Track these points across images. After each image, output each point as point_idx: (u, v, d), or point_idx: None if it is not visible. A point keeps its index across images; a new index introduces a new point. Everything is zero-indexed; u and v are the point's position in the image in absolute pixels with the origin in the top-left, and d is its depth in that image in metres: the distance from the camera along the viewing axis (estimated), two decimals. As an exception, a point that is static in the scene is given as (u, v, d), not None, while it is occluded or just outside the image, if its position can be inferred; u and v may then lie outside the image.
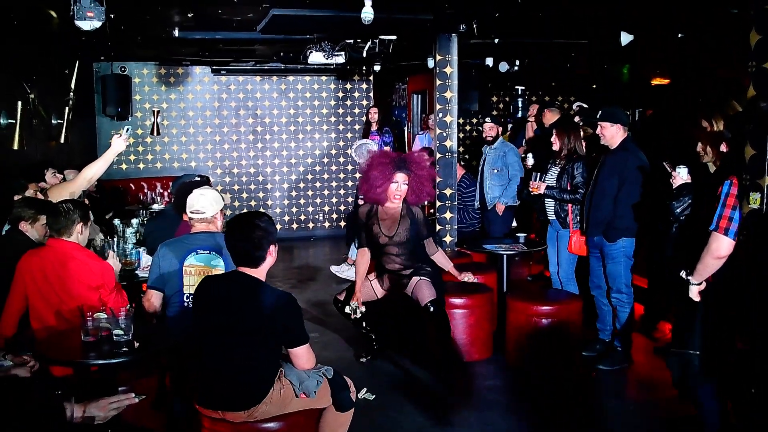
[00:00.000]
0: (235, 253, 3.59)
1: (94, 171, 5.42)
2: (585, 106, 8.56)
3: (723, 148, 3.93)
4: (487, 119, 8.28)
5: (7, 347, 3.97)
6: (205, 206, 4.47)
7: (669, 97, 10.00)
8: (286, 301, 3.50)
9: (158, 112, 11.33)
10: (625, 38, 7.81)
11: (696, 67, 9.37)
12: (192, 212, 4.46)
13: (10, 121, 6.90)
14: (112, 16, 5.91)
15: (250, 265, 3.56)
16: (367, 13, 5.63)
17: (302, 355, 3.59)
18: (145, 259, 5.45)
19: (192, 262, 4.32)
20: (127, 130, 5.41)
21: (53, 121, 8.39)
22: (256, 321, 3.45)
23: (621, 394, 5.53)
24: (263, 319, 3.44)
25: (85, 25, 5.23)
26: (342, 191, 12.48)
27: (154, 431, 4.07)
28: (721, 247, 3.63)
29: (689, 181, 4.35)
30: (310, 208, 12.39)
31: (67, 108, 8.71)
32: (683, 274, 3.90)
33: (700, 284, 3.82)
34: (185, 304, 4.30)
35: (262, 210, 12.11)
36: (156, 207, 8.85)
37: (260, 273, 3.58)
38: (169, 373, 4.21)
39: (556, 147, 6.27)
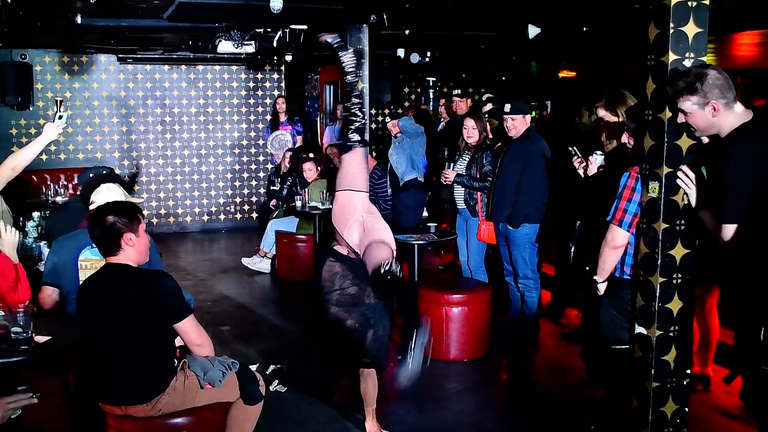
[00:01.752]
0: (95, 242, 3.57)
1: (19, 159, 5.04)
2: (493, 97, 8.69)
3: (625, 138, 4.05)
4: (388, 118, 8.34)
5: None
6: (107, 199, 4.35)
7: (575, 90, 10.27)
8: (155, 277, 3.44)
9: (61, 101, 10.87)
10: (533, 31, 7.95)
11: (600, 60, 9.65)
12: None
13: None
14: (9, 0, 5.68)
15: (110, 255, 3.50)
16: (276, 2, 5.57)
17: (190, 329, 3.47)
18: (47, 254, 5.26)
19: (87, 256, 4.15)
20: (60, 117, 5.06)
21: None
22: (135, 307, 3.38)
23: (531, 379, 5.66)
24: (139, 303, 3.37)
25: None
26: (254, 182, 12.34)
27: (57, 432, 3.96)
28: (616, 237, 3.75)
29: (603, 168, 4.44)
30: (222, 200, 12.21)
31: (-38, 96, 8.34)
32: (588, 271, 4.00)
33: (604, 281, 3.93)
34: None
35: (170, 202, 11.87)
36: (60, 200, 8.55)
37: (128, 260, 3.49)
38: (72, 372, 4.08)
39: (473, 135, 6.31)
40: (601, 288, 3.93)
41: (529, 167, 5.79)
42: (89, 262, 4.13)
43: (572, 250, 4.57)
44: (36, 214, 6.37)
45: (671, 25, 3.39)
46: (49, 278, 4.19)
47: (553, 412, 4.90)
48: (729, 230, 3.16)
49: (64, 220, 5.47)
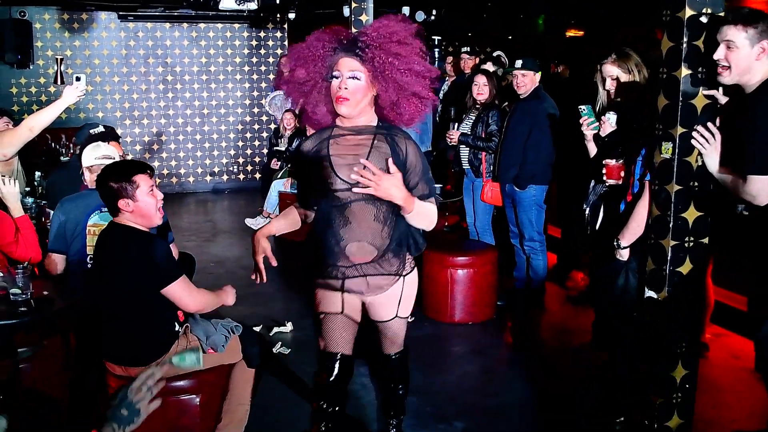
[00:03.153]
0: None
1: (37, 120, 4.96)
2: (502, 54, 8.53)
3: None
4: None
5: None
6: (111, 152, 4.29)
7: (583, 49, 10.10)
8: (146, 241, 3.37)
9: (61, 60, 10.80)
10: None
11: (609, 18, 9.47)
12: (98, 159, 4.24)
13: None
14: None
15: (114, 216, 3.45)
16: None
17: (179, 295, 3.36)
18: (52, 216, 5.19)
19: (96, 221, 4.03)
20: (78, 78, 4.96)
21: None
22: (128, 269, 3.31)
23: (537, 341, 5.61)
24: (133, 266, 3.31)
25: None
26: (257, 142, 12.23)
27: (58, 399, 3.90)
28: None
29: (616, 128, 4.28)
30: (224, 160, 12.12)
31: (-40, 54, 8.21)
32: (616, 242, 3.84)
33: (628, 246, 3.80)
34: (88, 266, 4.04)
35: (173, 162, 11.79)
36: (62, 159, 8.46)
37: (131, 222, 3.42)
38: (72, 334, 4.03)
39: (483, 92, 6.17)
40: (624, 254, 3.80)
41: (537, 127, 5.68)
42: (98, 227, 3.98)
43: (587, 212, 4.43)
44: (37, 174, 6.29)
45: (688, -21, 3.28)
46: (55, 245, 4.07)
47: (558, 376, 4.86)
48: (757, 183, 3.06)
49: (64, 179, 5.40)
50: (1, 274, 3.57)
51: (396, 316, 3.37)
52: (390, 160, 2.93)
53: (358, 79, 2.96)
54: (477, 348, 5.37)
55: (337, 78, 2.99)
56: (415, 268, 3.36)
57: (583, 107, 4.41)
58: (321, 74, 3.06)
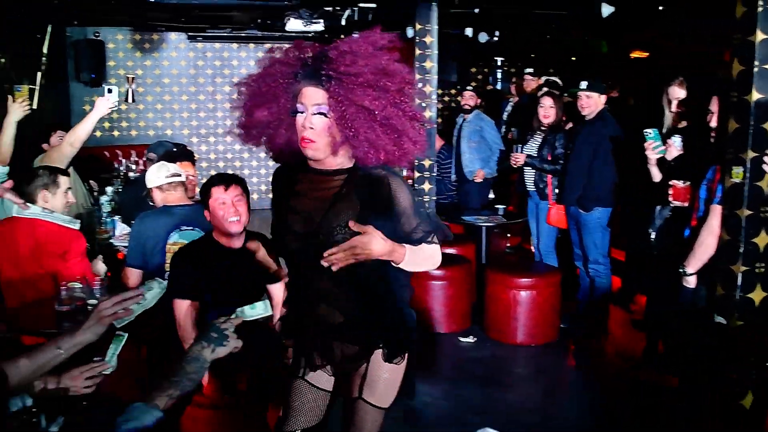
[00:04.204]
0: None
1: (76, 135, 5.14)
2: (557, 80, 8.50)
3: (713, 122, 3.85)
4: (469, 87, 8.23)
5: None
6: (179, 171, 4.40)
7: (648, 71, 10.00)
8: None
9: (133, 78, 11.11)
10: (606, 10, 7.75)
11: (676, 40, 9.36)
12: (168, 178, 4.35)
13: (-20, 85, 6.74)
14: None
15: None
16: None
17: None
18: (120, 228, 5.36)
19: (176, 240, 4.11)
20: (110, 91, 5.13)
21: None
22: None
23: (599, 365, 5.55)
24: None
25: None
26: (319, 161, 12.35)
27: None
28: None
29: (683, 152, 4.24)
30: (287, 178, 12.26)
31: (39, 73, 8.51)
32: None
33: (695, 273, 3.76)
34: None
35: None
36: (131, 175, 8.71)
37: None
38: (145, 346, 4.14)
39: (550, 114, 6.18)
40: (691, 281, 3.75)
41: (602, 149, 5.64)
42: (177, 246, 4.01)
43: (652, 236, 4.38)
44: (109, 189, 6.50)
45: (760, 2, 3.26)
46: (132, 260, 4.17)
47: (620, 401, 4.80)
48: None
49: (134, 195, 5.56)
50: (80, 286, 3.69)
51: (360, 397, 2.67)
52: (351, 223, 2.36)
53: (325, 115, 2.37)
54: (539, 370, 5.35)
55: (301, 113, 2.40)
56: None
57: (649, 131, 4.39)
58: (286, 109, 2.45)
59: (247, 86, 2.53)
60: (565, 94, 6.80)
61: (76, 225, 4.21)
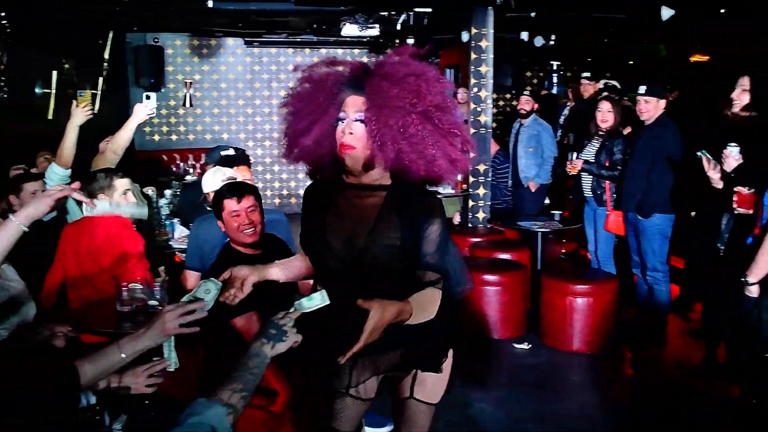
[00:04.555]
0: None
1: (118, 143, 5.21)
2: (616, 84, 8.38)
3: None
4: (526, 92, 8.18)
5: (44, 318, 3.98)
6: (235, 176, 4.44)
7: (707, 75, 9.80)
8: None
9: (190, 83, 11.31)
10: (666, 13, 7.62)
11: (738, 44, 9.15)
12: (224, 182, 4.38)
13: (45, 90, 6.91)
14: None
15: None
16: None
17: None
18: (179, 230, 5.45)
19: None
20: (148, 97, 5.17)
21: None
22: None
23: (658, 374, 5.45)
24: None
25: (122, -6, 5.20)
26: (373, 165, 12.39)
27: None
28: None
29: (741, 161, 4.13)
30: (341, 182, 12.32)
31: (100, 78, 8.71)
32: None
33: (756, 283, 3.66)
34: None
35: (293, 183, 12.10)
36: (188, 179, 8.84)
37: None
38: (202, 348, 4.19)
39: (608, 119, 6.10)
40: (754, 290, 3.66)
41: (661, 155, 5.54)
42: None
43: (721, 248, 4.26)
44: (168, 192, 6.60)
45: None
46: (191, 263, 4.23)
47: (680, 411, 4.70)
48: None
49: (192, 198, 5.63)
50: (141, 287, 3.75)
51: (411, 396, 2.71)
52: (360, 301, 2.17)
53: (364, 122, 2.33)
54: (595, 378, 5.27)
55: (342, 120, 2.37)
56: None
57: (699, 153, 4.32)
58: (329, 120, 2.42)
59: (294, 98, 2.54)
60: (625, 98, 6.70)
61: (144, 213, 4.22)
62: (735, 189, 3.87)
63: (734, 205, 3.92)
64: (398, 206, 2.41)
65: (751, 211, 3.85)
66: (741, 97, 4.43)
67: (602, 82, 8.64)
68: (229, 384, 1.96)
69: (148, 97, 5.05)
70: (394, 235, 2.39)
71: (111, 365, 2.31)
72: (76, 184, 2.62)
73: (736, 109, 4.21)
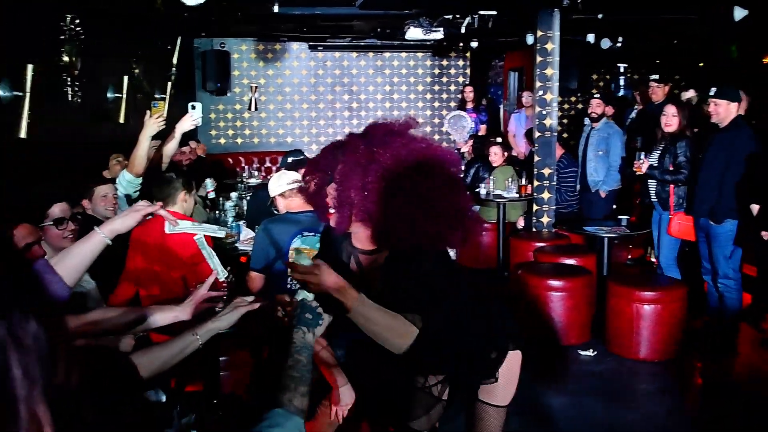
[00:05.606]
0: None
1: (164, 151, 5.06)
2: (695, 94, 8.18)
3: None
4: (597, 95, 8.08)
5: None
6: (298, 178, 4.48)
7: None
8: None
9: (256, 87, 11.47)
10: (739, 13, 7.42)
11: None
12: (289, 184, 4.44)
13: (117, 95, 7.08)
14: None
15: None
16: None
17: None
18: (245, 232, 5.52)
19: (299, 245, 4.12)
20: (193, 107, 4.81)
21: (156, 96, 8.58)
22: None
23: (727, 384, 5.31)
24: None
25: (190, 1, 5.29)
26: (436, 169, 12.37)
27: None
28: None
29: None
30: (404, 186, 12.33)
31: (169, 83, 8.89)
32: None
33: None
34: (287, 287, 4.12)
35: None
36: (253, 181, 8.96)
37: None
38: (266, 349, 4.23)
39: (672, 123, 5.97)
40: None
41: (736, 159, 5.40)
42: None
43: None
44: (234, 195, 6.70)
45: None
46: (256, 264, 4.23)
47: (749, 424, 4.57)
48: None
49: (259, 200, 5.71)
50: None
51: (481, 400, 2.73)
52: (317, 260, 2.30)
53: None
54: (663, 387, 5.15)
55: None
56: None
57: None
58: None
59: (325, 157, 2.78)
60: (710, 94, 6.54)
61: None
62: None
63: None
64: (396, 271, 2.51)
65: None
66: None
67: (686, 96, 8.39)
68: (295, 386, 1.95)
69: (193, 107, 4.88)
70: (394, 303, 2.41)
71: (185, 346, 2.40)
72: (159, 204, 2.71)
73: None
